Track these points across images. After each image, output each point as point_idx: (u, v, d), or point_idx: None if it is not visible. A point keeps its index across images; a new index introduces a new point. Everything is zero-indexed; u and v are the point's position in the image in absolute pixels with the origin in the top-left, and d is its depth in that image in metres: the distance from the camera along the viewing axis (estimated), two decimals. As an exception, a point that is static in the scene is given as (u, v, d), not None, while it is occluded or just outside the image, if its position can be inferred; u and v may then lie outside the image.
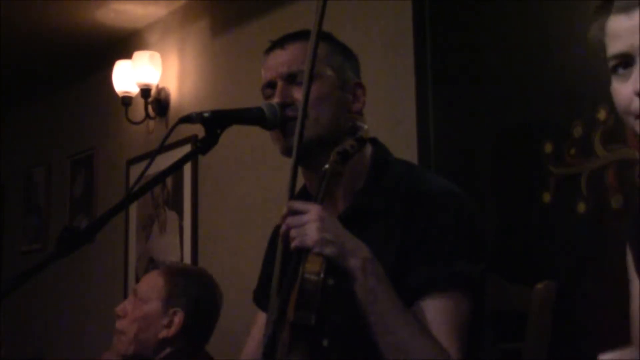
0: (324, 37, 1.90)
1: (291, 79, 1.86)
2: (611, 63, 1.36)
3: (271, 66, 1.91)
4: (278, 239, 2.00)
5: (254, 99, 1.90)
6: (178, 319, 2.54)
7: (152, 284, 2.59)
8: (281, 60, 1.89)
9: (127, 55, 4.39)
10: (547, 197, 2.55)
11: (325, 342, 1.79)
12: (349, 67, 1.94)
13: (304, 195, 1.93)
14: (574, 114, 2.51)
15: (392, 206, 1.79)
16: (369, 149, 1.91)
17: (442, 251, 1.73)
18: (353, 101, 1.92)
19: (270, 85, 1.90)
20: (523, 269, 2.54)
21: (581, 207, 2.46)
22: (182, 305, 2.55)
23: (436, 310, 1.69)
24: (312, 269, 1.57)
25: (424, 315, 1.69)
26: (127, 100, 4.37)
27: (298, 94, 1.81)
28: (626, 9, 1.33)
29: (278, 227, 2.04)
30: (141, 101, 4.33)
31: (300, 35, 1.90)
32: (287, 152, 1.81)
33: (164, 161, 1.72)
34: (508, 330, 2.00)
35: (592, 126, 2.45)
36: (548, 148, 2.56)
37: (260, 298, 2.06)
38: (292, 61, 1.87)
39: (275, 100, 1.85)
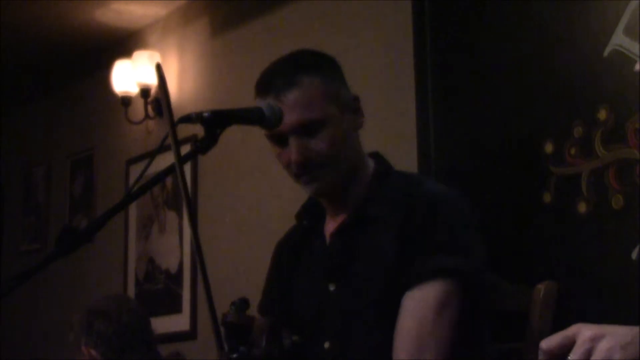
0: (311, 63, 1.84)
1: (303, 129, 1.79)
2: None
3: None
4: (281, 255, 2.01)
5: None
6: (86, 351, 2.63)
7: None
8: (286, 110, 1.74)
9: (127, 55, 4.38)
10: (547, 197, 2.55)
11: (326, 345, 1.80)
12: (342, 85, 1.89)
13: (313, 206, 1.95)
14: (574, 114, 2.51)
15: (390, 213, 1.81)
16: (371, 163, 1.92)
17: (431, 247, 1.75)
18: (357, 118, 1.90)
19: (276, 138, 1.82)
20: (523, 269, 2.54)
21: (581, 207, 2.46)
22: (84, 341, 2.65)
23: (414, 299, 1.73)
24: None
25: (404, 305, 1.72)
26: (126, 100, 4.37)
27: (316, 145, 1.80)
28: None
29: (280, 243, 2.05)
30: (141, 101, 4.32)
31: (296, 74, 1.80)
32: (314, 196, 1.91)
33: (163, 161, 1.71)
34: (508, 330, 1.99)
35: (592, 126, 2.45)
36: (548, 148, 2.56)
37: (267, 309, 2.06)
38: (300, 108, 1.79)
39: (293, 160, 1.80)
